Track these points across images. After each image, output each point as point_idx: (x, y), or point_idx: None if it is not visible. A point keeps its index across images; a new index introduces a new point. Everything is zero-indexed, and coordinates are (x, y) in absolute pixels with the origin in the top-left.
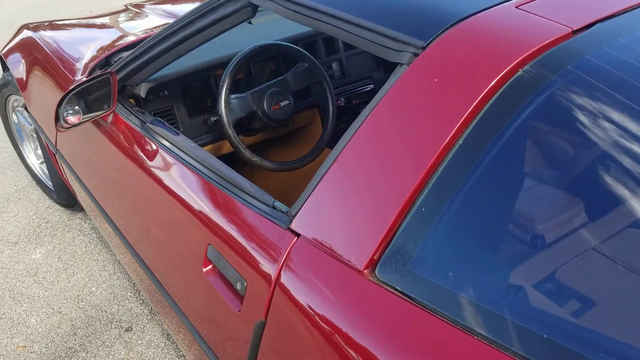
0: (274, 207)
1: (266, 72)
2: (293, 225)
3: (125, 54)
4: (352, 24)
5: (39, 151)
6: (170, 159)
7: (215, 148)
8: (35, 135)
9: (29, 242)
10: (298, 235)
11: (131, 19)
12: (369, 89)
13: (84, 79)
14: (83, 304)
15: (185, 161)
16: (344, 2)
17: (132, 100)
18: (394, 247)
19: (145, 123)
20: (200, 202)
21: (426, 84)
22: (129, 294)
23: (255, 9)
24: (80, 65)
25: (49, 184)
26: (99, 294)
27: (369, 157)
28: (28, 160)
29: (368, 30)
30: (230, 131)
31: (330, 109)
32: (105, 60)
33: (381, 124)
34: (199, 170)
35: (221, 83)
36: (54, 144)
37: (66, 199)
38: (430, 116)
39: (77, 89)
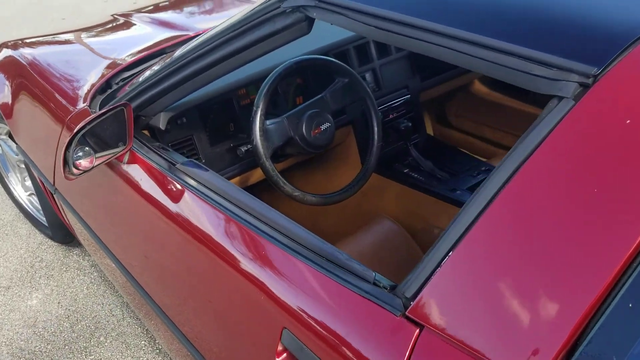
0: (375, 283)
1: (292, 87)
2: (412, 313)
3: (126, 74)
4: (480, 46)
5: (28, 183)
6: (217, 214)
7: (243, 179)
8: (22, 166)
9: (23, 286)
10: (420, 326)
11: (121, 30)
12: (406, 99)
13: (94, 113)
14: (92, 357)
15: (239, 217)
16: (463, 18)
17: (146, 132)
18: (584, 357)
19: (174, 165)
20: (269, 272)
21: (612, 127)
22: (142, 342)
23: (311, 24)
24: (79, 92)
25: (42, 219)
26: (108, 344)
27: (531, 227)
28: (15, 193)
29: (505, 53)
30: (268, 164)
31: (375, 129)
32: (106, 84)
33: (545, 182)
34: (263, 232)
35: (255, 108)
36: (52, 183)
37: (63, 238)
38: (630, 169)
39: (88, 127)
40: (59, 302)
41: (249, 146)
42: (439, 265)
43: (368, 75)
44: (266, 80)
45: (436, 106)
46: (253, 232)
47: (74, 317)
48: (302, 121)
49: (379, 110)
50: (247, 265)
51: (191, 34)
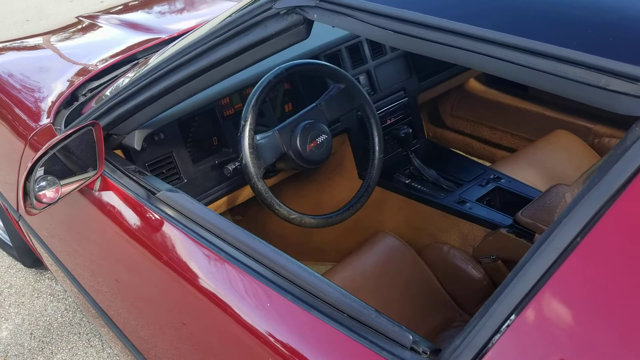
0: (413, 348)
1: (280, 93)
2: None
3: (94, 84)
4: (534, 54)
5: None
6: (204, 253)
7: (231, 199)
8: None
9: None
10: None
11: (87, 34)
12: (404, 102)
13: (58, 134)
14: None
15: (231, 256)
16: (508, 19)
17: (119, 152)
18: None
19: (153, 193)
20: (273, 327)
21: None
22: None
23: (310, 27)
24: (42, 105)
25: (6, 238)
26: None
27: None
28: None
29: (569, 63)
30: (261, 185)
31: (376, 140)
32: (71, 96)
33: None
34: (262, 276)
35: (242, 122)
36: (16, 208)
37: (33, 263)
38: None
39: (51, 152)
40: (31, 333)
41: (237, 164)
42: (498, 331)
43: (362, 78)
44: (254, 90)
45: (429, 105)
46: (249, 274)
47: (49, 349)
48: (295, 134)
49: (378, 117)
50: (244, 316)
51: (164, 36)
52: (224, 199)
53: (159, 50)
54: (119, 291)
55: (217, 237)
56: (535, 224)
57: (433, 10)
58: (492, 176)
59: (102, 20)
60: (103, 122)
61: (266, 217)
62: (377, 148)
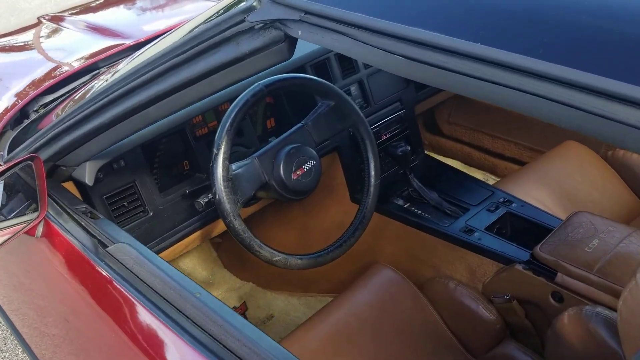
0: None
1: (261, 108)
2: None
3: (47, 99)
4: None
5: None
6: (161, 330)
7: (205, 233)
8: None
9: None
10: None
11: (48, 38)
12: (400, 115)
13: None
14: None
15: (195, 338)
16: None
17: (69, 184)
18: None
19: (104, 246)
20: None
21: None
22: None
23: (293, 45)
24: None
25: None
26: None
27: None
28: None
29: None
30: (237, 224)
31: (372, 164)
32: (20, 113)
33: None
34: None
35: (215, 151)
36: None
37: None
38: None
39: None
40: None
41: (210, 196)
42: None
43: (354, 89)
44: (228, 111)
45: (424, 111)
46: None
47: None
48: (278, 161)
49: (373, 136)
50: None
51: (130, 42)
52: (197, 233)
53: (123, 58)
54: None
55: (176, 309)
56: (557, 261)
57: (463, 31)
58: (501, 199)
59: (66, 23)
60: (48, 152)
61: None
62: (372, 173)
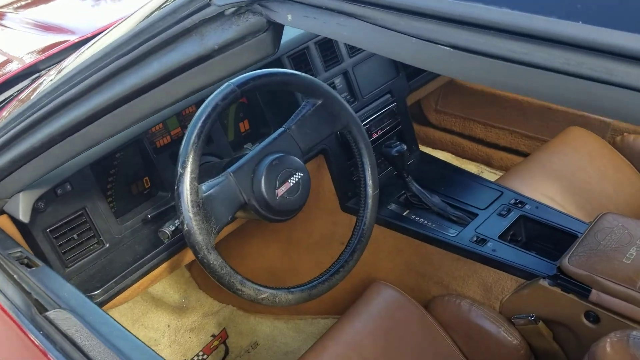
0: None
1: (232, 110)
2: None
3: None
4: None
5: None
6: None
7: (173, 264)
8: None
9: None
10: None
11: None
12: (391, 109)
13: None
14: None
15: None
16: None
17: (3, 219)
18: None
19: (41, 311)
20: None
21: None
22: None
23: (278, 35)
24: None
25: None
26: None
27: None
28: None
29: None
30: (213, 258)
31: (368, 172)
32: None
33: None
34: None
35: (180, 169)
36: None
37: None
38: None
39: None
40: None
41: (177, 224)
42: None
43: (338, 81)
44: (194, 119)
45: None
46: None
47: None
48: (259, 176)
49: (369, 139)
50: None
51: (75, 38)
52: (165, 265)
53: (66, 57)
54: None
55: None
56: (591, 276)
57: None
58: (512, 200)
59: (9, 21)
60: None
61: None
62: (369, 182)
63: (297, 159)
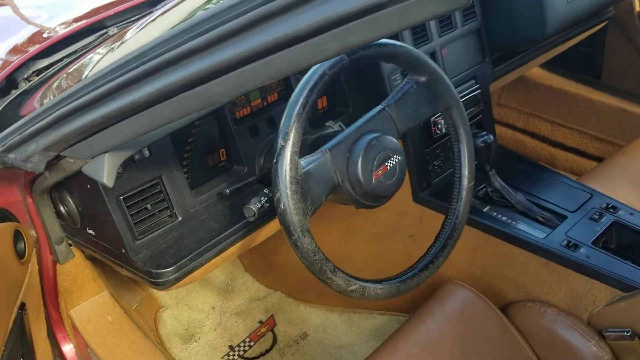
0: None
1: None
2: None
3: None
4: None
5: None
6: None
7: (246, 244)
8: None
9: None
10: None
11: None
12: (475, 96)
13: None
14: None
15: None
16: None
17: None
18: None
19: None
20: None
21: None
22: None
23: None
24: None
25: None
26: None
27: None
28: None
29: None
30: (307, 242)
31: (466, 160)
32: (6, 82)
33: None
34: None
35: (281, 141)
36: None
37: None
38: None
39: None
40: None
41: (264, 200)
42: None
43: None
44: (298, 87)
45: None
46: None
47: None
48: (355, 156)
49: (469, 125)
50: None
51: None
52: (237, 245)
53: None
54: None
55: None
56: None
57: None
58: (602, 205)
59: None
60: (48, 138)
61: (278, 243)
62: (465, 172)
63: (395, 141)
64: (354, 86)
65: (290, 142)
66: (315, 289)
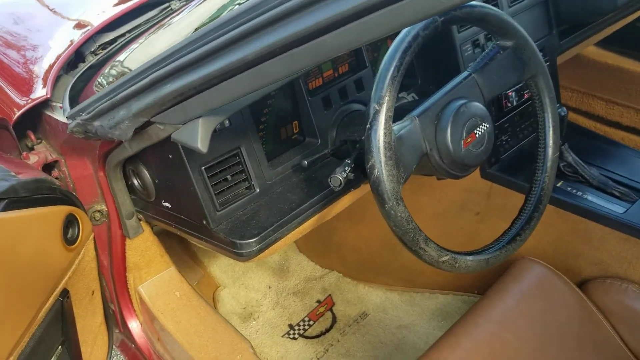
0: None
1: (380, 50)
2: None
3: (109, 37)
4: None
5: None
6: None
7: (321, 217)
8: None
9: None
10: None
11: None
12: None
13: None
14: None
15: None
16: None
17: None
18: None
19: None
20: None
21: None
22: None
23: None
24: (34, 70)
25: None
26: None
27: None
28: None
29: None
30: (401, 210)
31: (550, 130)
32: (75, 56)
33: None
34: None
35: (375, 105)
36: None
37: None
38: None
39: None
40: None
41: (347, 170)
42: None
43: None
44: (391, 49)
45: None
46: None
47: None
48: (444, 123)
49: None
50: None
51: None
52: (316, 217)
53: None
54: None
55: None
56: None
57: None
58: None
59: None
60: (141, 103)
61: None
62: (550, 142)
63: (484, 107)
64: (422, 57)
65: (385, 107)
66: (374, 268)
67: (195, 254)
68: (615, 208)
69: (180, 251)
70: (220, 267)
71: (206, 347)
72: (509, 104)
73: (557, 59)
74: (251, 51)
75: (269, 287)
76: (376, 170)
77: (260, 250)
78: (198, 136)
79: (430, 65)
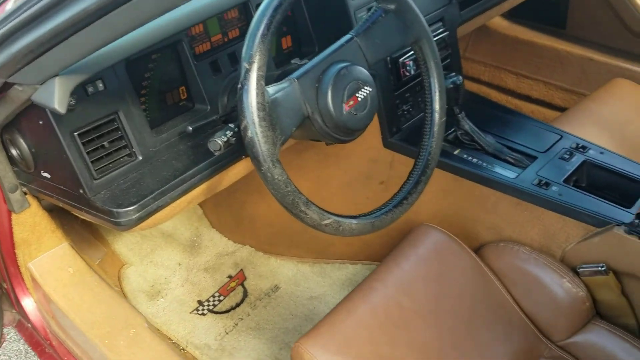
0: None
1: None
2: None
3: None
4: None
5: None
6: None
7: (212, 186)
8: None
9: None
10: None
11: None
12: (443, 38)
13: None
14: None
15: None
16: None
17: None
18: None
19: None
20: None
21: None
22: None
23: None
24: None
25: None
26: None
27: None
28: None
29: None
30: (277, 172)
31: (437, 94)
32: None
33: None
34: None
35: (246, 64)
36: None
37: None
38: None
39: None
40: None
41: (230, 134)
42: None
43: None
44: (263, 6)
45: None
46: None
47: None
48: (325, 85)
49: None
50: None
51: None
52: (203, 186)
53: None
54: None
55: None
56: None
57: None
58: (572, 145)
59: None
60: None
61: (245, 196)
62: (437, 107)
63: (366, 71)
64: (318, 24)
65: (255, 65)
66: (286, 241)
67: (98, 230)
68: (508, 174)
69: (80, 228)
70: (127, 244)
71: (99, 323)
72: (407, 73)
73: (460, 29)
74: (92, 1)
75: (179, 264)
76: (249, 131)
77: (141, 219)
78: (55, 96)
79: (327, 32)
